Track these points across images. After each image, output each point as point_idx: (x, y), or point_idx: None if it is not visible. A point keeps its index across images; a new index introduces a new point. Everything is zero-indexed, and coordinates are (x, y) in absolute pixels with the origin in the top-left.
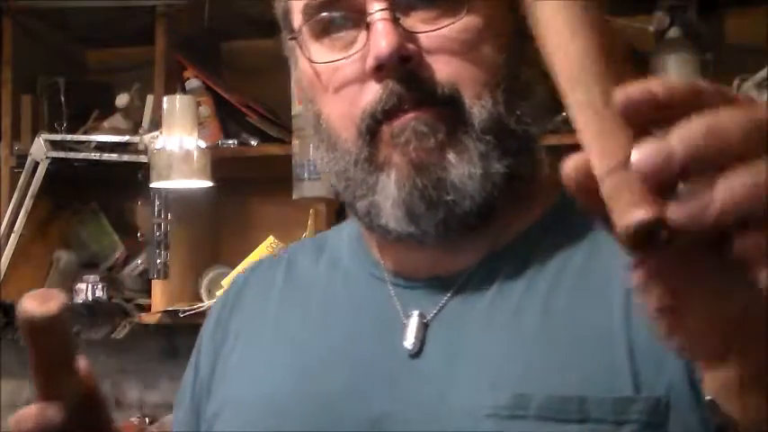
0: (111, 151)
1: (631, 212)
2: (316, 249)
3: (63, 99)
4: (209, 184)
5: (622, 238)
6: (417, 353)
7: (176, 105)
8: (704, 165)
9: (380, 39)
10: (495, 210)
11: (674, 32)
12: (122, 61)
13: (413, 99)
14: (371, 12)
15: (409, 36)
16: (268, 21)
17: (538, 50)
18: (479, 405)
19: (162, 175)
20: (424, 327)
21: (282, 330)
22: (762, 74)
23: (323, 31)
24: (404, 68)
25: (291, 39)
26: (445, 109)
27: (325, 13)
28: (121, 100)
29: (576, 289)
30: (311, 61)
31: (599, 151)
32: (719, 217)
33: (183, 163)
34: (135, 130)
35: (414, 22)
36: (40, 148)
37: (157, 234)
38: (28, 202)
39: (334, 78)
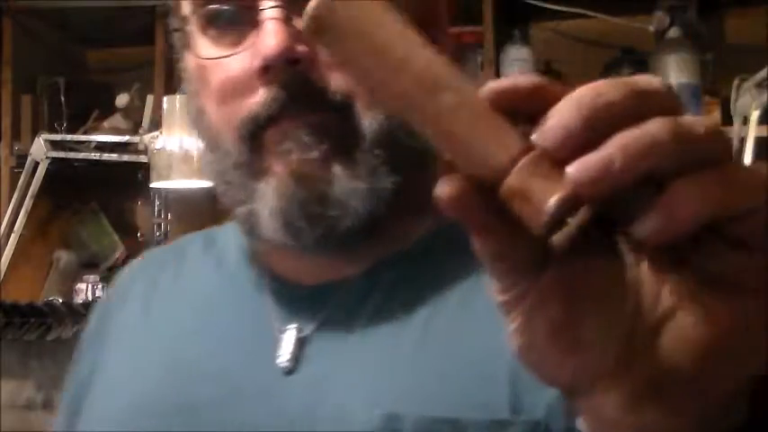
0: (111, 151)
1: (551, 193)
2: (207, 244)
3: (63, 99)
4: (209, 184)
5: (543, 226)
6: (292, 370)
7: (176, 105)
8: (603, 128)
9: (268, 38)
10: (382, 225)
11: (674, 32)
12: (122, 61)
13: (299, 105)
14: (263, 9)
15: (300, 37)
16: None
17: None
18: (350, 425)
19: (162, 175)
20: (300, 342)
21: (159, 334)
22: (762, 74)
23: (211, 23)
24: (292, 71)
25: (176, 30)
26: (335, 116)
27: (215, 5)
28: (121, 100)
29: (462, 305)
30: (196, 55)
31: (491, 151)
32: (625, 167)
33: (182, 163)
34: (135, 130)
35: None
36: (40, 148)
37: (157, 234)
38: (28, 202)
39: (218, 76)
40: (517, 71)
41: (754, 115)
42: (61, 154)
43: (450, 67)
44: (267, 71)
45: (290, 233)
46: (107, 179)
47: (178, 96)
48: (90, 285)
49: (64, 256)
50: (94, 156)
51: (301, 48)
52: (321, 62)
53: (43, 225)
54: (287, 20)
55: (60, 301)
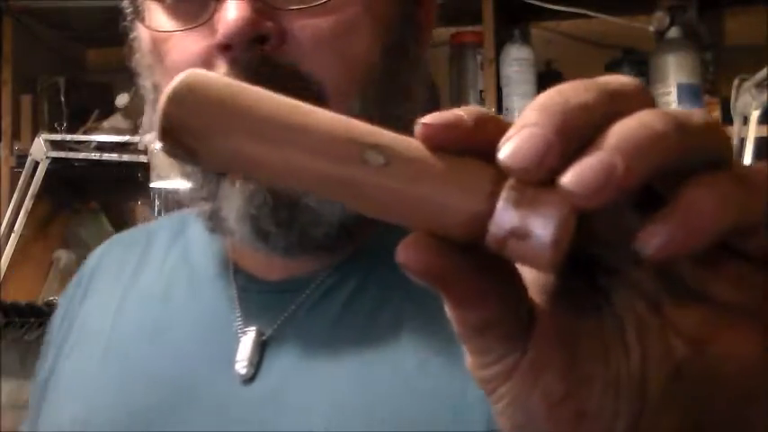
0: (111, 151)
1: (551, 219)
2: (177, 231)
3: (63, 99)
4: None
5: (552, 260)
6: (251, 378)
7: None
8: (582, 136)
9: (230, 12)
10: (355, 227)
11: (674, 32)
12: (122, 61)
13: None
14: None
15: (268, 12)
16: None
17: (422, 44)
18: None
19: (162, 175)
20: (261, 346)
21: (115, 332)
22: (762, 74)
23: None
24: (257, 50)
25: None
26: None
27: None
28: (121, 100)
29: (435, 308)
30: (147, 27)
31: (457, 197)
32: (629, 167)
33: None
34: (135, 130)
35: None
36: (40, 148)
37: None
38: (28, 202)
39: (173, 51)
40: (517, 70)
41: (754, 115)
42: (61, 154)
43: (359, 122)
44: (228, 49)
45: (260, 238)
46: (107, 179)
47: None
48: None
49: (64, 256)
50: (94, 156)
51: (268, 24)
52: (290, 41)
53: (43, 225)
54: None
55: None
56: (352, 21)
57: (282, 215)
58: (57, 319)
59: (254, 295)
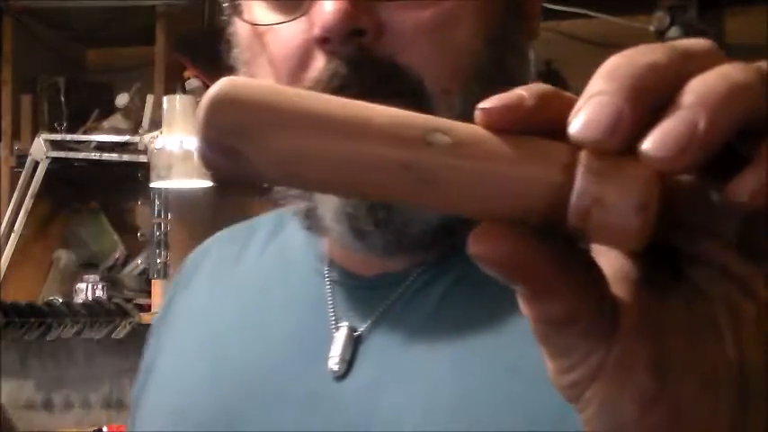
0: (111, 151)
1: (634, 186)
2: (274, 228)
3: (63, 99)
4: (209, 184)
5: (639, 231)
6: (343, 375)
7: (176, 105)
8: (655, 98)
9: (328, 4)
10: (454, 227)
11: (674, 32)
12: (122, 61)
13: (363, 86)
14: None
15: (366, 4)
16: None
17: (528, 34)
18: None
19: (162, 175)
20: (354, 342)
21: (210, 326)
22: None
23: None
24: (355, 43)
25: None
26: (405, 102)
27: None
28: (121, 100)
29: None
30: (244, 20)
31: (530, 174)
32: (713, 124)
33: (182, 163)
34: (135, 130)
35: None
36: (40, 148)
37: (157, 234)
38: (28, 202)
39: (271, 45)
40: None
41: None
42: (61, 154)
43: (417, 112)
44: (326, 42)
45: (358, 237)
46: (107, 179)
47: (178, 96)
48: (90, 285)
49: (64, 256)
50: (94, 156)
51: (367, 17)
52: (388, 33)
53: (43, 225)
54: None
55: (60, 301)
56: (453, 11)
57: (380, 214)
58: (159, 314)
59: (349, 291)
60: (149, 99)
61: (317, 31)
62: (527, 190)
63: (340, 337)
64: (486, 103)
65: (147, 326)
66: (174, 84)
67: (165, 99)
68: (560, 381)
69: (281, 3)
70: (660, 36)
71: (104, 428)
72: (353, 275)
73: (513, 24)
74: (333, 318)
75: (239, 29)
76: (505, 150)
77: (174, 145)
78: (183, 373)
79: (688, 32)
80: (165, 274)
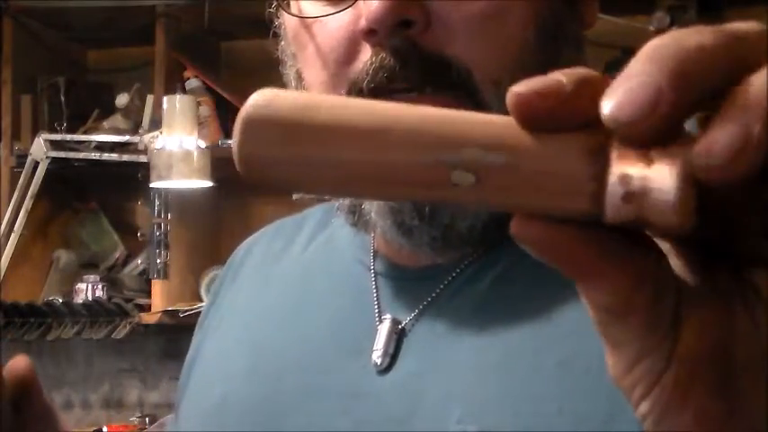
0: (111, 151)
1: (672, 171)
2: (322, 220)
3: (63, 99)
4: (209, 184)
5: (681, 210)
6: (387, 368)
7: (176, 105)
8: (700, 86)
9: None
10: (505, 219)
11: None
12: (122, 61)
13: (410, 78)
14: None
15: None
16: (268, 21)
17: (583, 24)
18: None
19: (162, 175)
20: (398, 335)
21: (254, 318)
22: None
23: None
24: (403, 35)
25: None
26: (452, 96)
27: None
28: (121, 100)
29: (575, 308)
30: (288, 12)
31: (566, 166)
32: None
33: (182, 163)
34: (135, 130)
35: None
36: (40, 148)
37: (157, 234)
38: (28, 202)
39: (318, 36)
40: None
41: None
42: (61, 154)
43: (445, 117)
44: (373, 34)
45: (403, 233)
46: (107, 179)
47: (178, 96)
48: (90, 285)
49: (64, 256)
50: (94, 156)
51: (415, 8)
52: (436, 25)
53: (43, 225)
54: None
55: (60, 301)
56: (506, 4)
57: (425, 209)
58: (205, 307)
59: (393, 282)
60: (149, 99)
61: (363, 24)
62: (561, 202)
63: (383, 329)
64: (520, 87)
65: (147, 326)
66: (174, 84)
67: (165, 99)
68: (621, 381)
69: None
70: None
71: (104, 428)
72: (399, 267)
73: (566, 13)
74: (376, 310)
75: (286, 21)
76: (534, 143)
77: (174, 145)
78: (227, 360)
79: None
80: (165, 274)
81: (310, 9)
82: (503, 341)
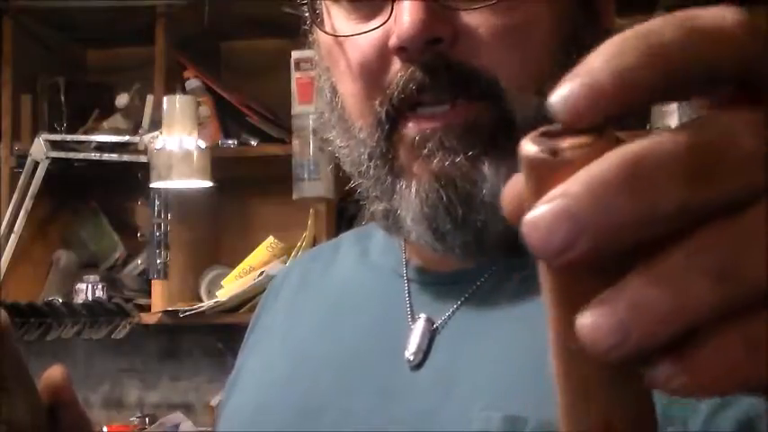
0: (111, 151)
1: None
2: (360, 237)
3: (63, 99)
4: (209, 184)
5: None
6: (419, 364)
7: (176, 105)
8: (644, 93)
9: (406, 15)
10: None
11: None
12: (122, 61)
13: (438, 89)
14: None
15: (443, 13)
16: (268, 21)
17: (602, 33)
18: (469, 426)
19: (162, 175)
20: (430, 334)
21: (294, 330)
22: None
23: None
24: (432, 51)
25: (304, 2)
26: (481, 106)
27: None
28: (121, 100)
29: None
30: (322, 30)
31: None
32: (639, 339)
33: (182, 163)
34: (135, 130)
35: None
36: (39, 148)
37: (157, 234)
38: (28, 202)
39: (351, 51)
40: None
41: None
42: (61, 154)
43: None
44: (404, 51)
45: (437, 238)
46: (107, 179)
47: (178, 96)
48: (90, 285)
49: (64, 256)
50: (94, 156)
51: (443, 26)
52: (463, 39)
53: (43, 225)
54: None
55: (60, 301)
56: (527, 15)
57: (459, 213)
58: (247, 331)
59: (425, 287)
60: (149, 99)
61: (395, 41)
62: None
63: (418, 327)
64: (561, 98)
65: (147, 326)
66: (174, 84)
67: (165, 99)
68: None
69: (359, 12)
70: None
71: (104, 428)
72: (430, 272)
73: (587, 22)
74: (409, 312)
75: (320, 38)
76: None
77: (174, 145)
78: (266, 372)
79: None
80: (165, 274)
81: (343, 26)
82: (528, 337)
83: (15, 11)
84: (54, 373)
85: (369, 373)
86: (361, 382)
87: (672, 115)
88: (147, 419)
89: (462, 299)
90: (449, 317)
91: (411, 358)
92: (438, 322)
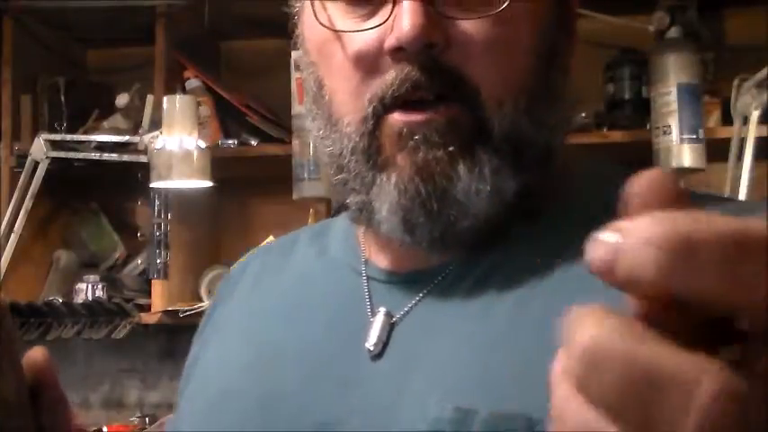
0: (111, 151)
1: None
2: (316, 234)
3: (63, 99)
4: (209, 184)
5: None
6: (379, 354)
7: (176, 105)
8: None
9: (407, 18)
10: (496, 223)
11: (674, 32)
12: (122, 61)
13: (431, 87)
14: None
15: (439, 20)
16: (268, 21)
17: (571, 51)
18: (423, 417)
19: (162, 175)
20: (389, 327)
21: (252, 321)
22: (762, 74)
23: None
24: (426, 54)
25: None
26: (464, 109)
27: None
28: (121, 100)
29: (555, 300)
30: (321, 24)
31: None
32: None
33: (182, 163)
34: (135, 130)
35: (449, 3)
36: (39, 148)
37: (157, 234)
38: (28, 202)
39: (347, 48)
40: None
41: (755, 115)
42: (61, 154)
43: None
44: (401, 51)
45: (408, 229)
46: (107, 179)
47: (178, 96)
48: (90, 285)
49: (64, 256)
50: (94, 156)
51: (438, 32)
52: (455, 46)
53: (43, 225)
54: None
55: (60, 301)
56: (517, 31)
57: (432, 206)
58: (202, 321)
59: (385, 285)
60: (149, 99)
61: (393, 42)
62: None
63: (377, 321)
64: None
65: (147, 326)
66: (174, 84)
67: (165, 99)
68: None
69: (356, 11)
70: (660, 36)
71: (104, 428)
72: (388, 272)
73: (562, 42)
74: (369, 307)
75: (307, 31)
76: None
77: (174, 145)
78: (225, 360)
79: (688, 32)
80: (165, 274)
81: (340, 23)
82: (481, 332)
83: (15, 11)
84: (36, 353)
85: (330, 363)
86: (322, 372)
87: (672, 115)
88: (147, 419)
89: (421, 295)
90: (407, 311)
91: (371, 348)
92: (397, 316)
